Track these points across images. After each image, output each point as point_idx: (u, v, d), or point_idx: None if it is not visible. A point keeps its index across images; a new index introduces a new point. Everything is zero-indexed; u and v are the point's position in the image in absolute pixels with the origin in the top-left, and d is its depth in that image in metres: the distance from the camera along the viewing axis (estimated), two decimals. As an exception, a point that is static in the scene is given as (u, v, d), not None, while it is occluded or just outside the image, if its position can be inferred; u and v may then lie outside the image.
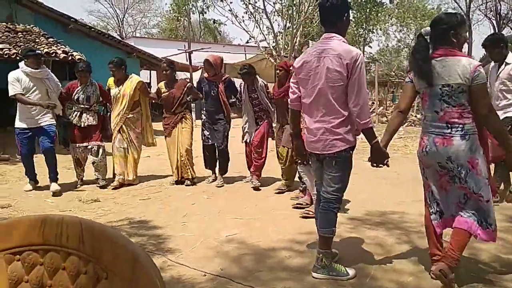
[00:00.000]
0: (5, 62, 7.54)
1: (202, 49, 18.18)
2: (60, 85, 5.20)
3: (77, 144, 5.25)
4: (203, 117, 5.38)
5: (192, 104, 5.89)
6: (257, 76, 5.26)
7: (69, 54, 8.11)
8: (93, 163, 5.33)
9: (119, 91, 5.25)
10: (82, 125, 5.18)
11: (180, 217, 4.07)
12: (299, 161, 3.77)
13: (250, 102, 5.20)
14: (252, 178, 5.21)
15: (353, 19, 19.99)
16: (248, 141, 5.28)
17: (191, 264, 2.91)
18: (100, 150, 5.32)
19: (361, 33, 22.29)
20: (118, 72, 5.24)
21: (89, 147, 5.26)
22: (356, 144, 2.72)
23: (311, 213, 3.78)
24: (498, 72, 4.26)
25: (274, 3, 14.49)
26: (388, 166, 2.69)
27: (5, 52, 7.64)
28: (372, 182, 5.43)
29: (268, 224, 3.80)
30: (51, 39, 9.10)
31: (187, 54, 17.47)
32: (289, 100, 2.92)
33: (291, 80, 2.89)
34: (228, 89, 5.28)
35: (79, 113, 5.21)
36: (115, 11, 34.98)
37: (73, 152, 5.30)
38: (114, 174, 5.44)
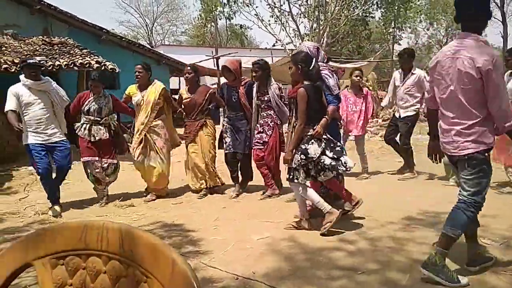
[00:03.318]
0: (42, 73, 7.87)
1: (229, 54, 18.33)
2: (67, 99, 4.79)
3: (91, 159, 4.80)
4: (225, 124, 5.15)
5: (220, 110, 5.71)
6: (272, 78, 4.93)
7: (102, 64, 8.37)
8: (108, 183, 5.01)
9: (143, 97, 4.97)
10: (93, 140, 4.78)
11: (211, 221, 4.11)
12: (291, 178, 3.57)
13: (260, 106, 4.85)
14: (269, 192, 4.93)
15: (381, 18, 19.65)
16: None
17: (223, 267, 2.94)
18: (117, 170, 5.02)
19: (390, 31, 21.87)
20: (145, 76, 4.98)
21: (103, 165, 4.88)
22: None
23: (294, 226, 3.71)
24: (405, 79, 5.59)
25: (300, 6, 14.50)
26: None
27: (42, 64, 7.98)
28: (421, 181, 5.46)
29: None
30: (85, 50, 9.44)
31: (215, 59, 17.68)
32: (424, 99, 2.92)
33: (428, 79, 2.84)
34: (248, 93, 5.00)
35: (88, 125, 4.80)
36: (145, 20, 35.91)
37: (90, 169, 4.84)
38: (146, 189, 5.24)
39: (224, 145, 5.15)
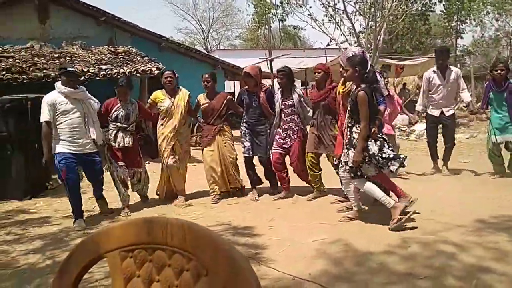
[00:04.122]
0: (109, 81, 8.44)
1: (282, 55, 18.41)
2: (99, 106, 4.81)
3: (119, 163, 4.80)
4: (243, 128, 5.23)
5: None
6: (295, 84, 5.19)
7: (162, 70, 8.77)
8: (134, 189, 5.11)
9: (173, 103, 4.99)
10: (117, 146, 4.76)
11: (267, 221, 4.16)
12: (353, 173, 3.78)
13: (283, 110, 4.99)
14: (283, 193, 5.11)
15: (443, 11, 18.66)
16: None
17: (279, 268, 2.96)
18: (142, 175, 5.07)
19: (453, 25, 20.69)
20: (175, 82, 5.07)
21: (131, 172, 4.95)
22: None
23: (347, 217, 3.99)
24: (447, 77, 5.46)
25: (355, 3, 14.17)
26: None
27: (108, 72, 8.52)
28: (491, 183, 5.23)
29: (357, 230, 3.72)
30: (146, 58, 9.94)
31: (268, 62, 17.82)
32: None
33: None
34: (268, 99, 5.13)
35: (115, 132, 4.80)
36: (201, 26, 37.02)
37: (116, 171, 4.83)
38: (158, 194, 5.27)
39: (243, 149, 5.23)
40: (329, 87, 4.68)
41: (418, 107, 5.98)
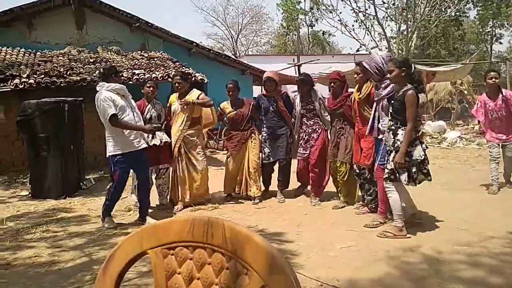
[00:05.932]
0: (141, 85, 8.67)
1: (311, 61, 18.34)
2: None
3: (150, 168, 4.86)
4: (264, 134, 5.35)
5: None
6: (314, 88, 5.25)
7: (192, 75, 8.94)
8: (158, 186, 5.12)
9: (180, 105, 5.05)
10: (158, 143, 4.79)
11: (294, 227, 4.16)
12: (388, 177, 3.64)
13: (305, 115, 5.15)
14: (311, 198, 5.15)
15: (477, 17, 18.15)
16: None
17: (306, 273, 2.97)
18: (168, 171, 5.11)
19: (487, 30, 20.09)
20: (184, 85, 5.05)
21: (160, 169, 5.01)
22: None
23: (388, 234, 3.69)
24: None
25: (386, 9, 14.03)
26: None
27: (141, 77, 8.76)
28: None
29: (383, 238, 3.67)
30: (177, 63, 10.17)
31: (296, 67, 17.80)
32: None
33: None
34: (285, 103, 5.31)
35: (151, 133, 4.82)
36: (230, 32, 37.41)
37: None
38: (170, 199, 5.22)
39: (263, 155, 5.35)
40: (345, 94, 4.79)
41: None
